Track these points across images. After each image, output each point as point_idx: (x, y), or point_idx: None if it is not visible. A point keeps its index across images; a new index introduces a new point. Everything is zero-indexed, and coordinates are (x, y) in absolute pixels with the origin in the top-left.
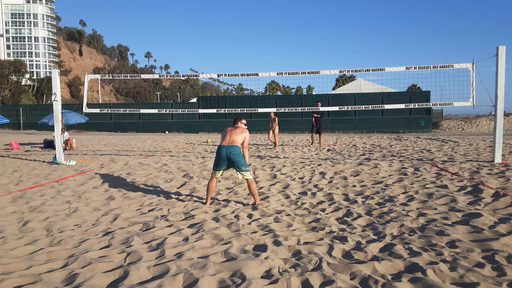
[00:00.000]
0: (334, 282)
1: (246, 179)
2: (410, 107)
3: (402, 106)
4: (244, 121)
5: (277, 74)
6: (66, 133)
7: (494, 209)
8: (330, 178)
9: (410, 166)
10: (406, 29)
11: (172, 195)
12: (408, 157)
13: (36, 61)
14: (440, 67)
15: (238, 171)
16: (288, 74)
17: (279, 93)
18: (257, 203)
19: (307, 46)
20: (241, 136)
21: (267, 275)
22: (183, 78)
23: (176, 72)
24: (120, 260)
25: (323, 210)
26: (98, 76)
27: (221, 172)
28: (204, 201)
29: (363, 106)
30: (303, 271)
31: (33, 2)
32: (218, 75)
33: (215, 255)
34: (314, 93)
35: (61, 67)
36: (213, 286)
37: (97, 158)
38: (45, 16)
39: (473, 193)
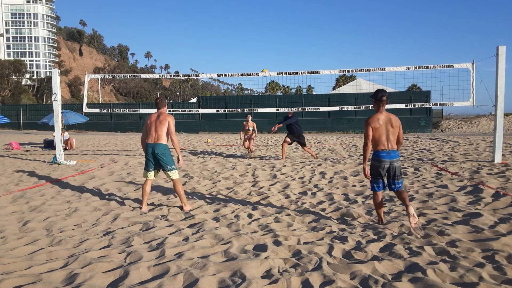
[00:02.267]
0: (334, 282)
1: (172, 180)
2: (410, 107)
3: (402, 106)
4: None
5: (277, 74)
6: (66, 133)
7: (494, 209)
8: (330, 178)
9: (410, 166)
10: (406, 29)
11: (172, 195)
12: (408, 157)
13: (36, 61)
14: (440, 67)
15: (163, 170)
16: (288, 74)
17: (279, 93)
18: (184, 208)
19: (307, 46)
20: (165, 127)
21: (267, 275)
22: (183, 78)
23: (176, 72)
24: (120, 260)
25: (323, 210)
26: (98, 76)
27: (152, 172)
28: (140, 206)
29: (363, 106)
30: (303, 271)
31: (33, 2)
32: (218, 75)
33: (215, 255)
34: (314, 93)
35: (61, 67)
36: (213, 286)
37: (97, 158)
38: (45, 16)
39: (473, 193)
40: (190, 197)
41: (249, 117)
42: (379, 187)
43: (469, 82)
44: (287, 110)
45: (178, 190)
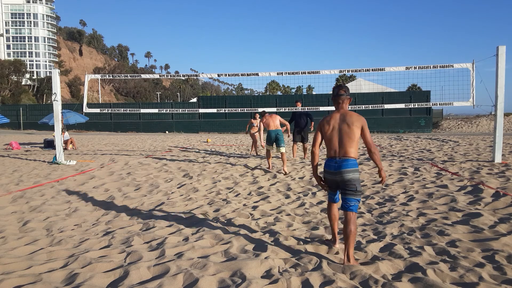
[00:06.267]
0: (334, 282)
1: (281, 152)
2: (410, 107)
3: (402, 106)
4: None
5: (277, 74)
6: (66, 133)
7: (494, 209)
8: None
9: (410, 166)
10: (406, 29)
11: (172, 195)
12: (408, 157)
13: (36, 61)
14: (440, 67)
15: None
16: (288, 74)
17: (279, 93)
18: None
19: (307, 46)
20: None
21: (267, 275)
22: (183, 78)
23: (176, 72)
24: (120, 260)
25: (323, 210)
26: (98, 76)
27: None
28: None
29: (363, 106)
30: (303, 271)
31: (33, 2)
32: (218, 75)
33: (215, 255)
34: (314, 93)
35: (61, 67)
36: (213, 286)
37: (97, 158)
38: (45, 16)
39: (473, 193)
40: (189, 197)
41: (258, 116)
42: None
43: (469, 82)
44: (287, 110)
45: (284, 158)
